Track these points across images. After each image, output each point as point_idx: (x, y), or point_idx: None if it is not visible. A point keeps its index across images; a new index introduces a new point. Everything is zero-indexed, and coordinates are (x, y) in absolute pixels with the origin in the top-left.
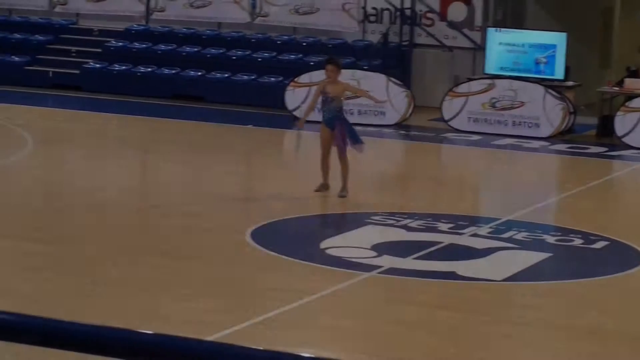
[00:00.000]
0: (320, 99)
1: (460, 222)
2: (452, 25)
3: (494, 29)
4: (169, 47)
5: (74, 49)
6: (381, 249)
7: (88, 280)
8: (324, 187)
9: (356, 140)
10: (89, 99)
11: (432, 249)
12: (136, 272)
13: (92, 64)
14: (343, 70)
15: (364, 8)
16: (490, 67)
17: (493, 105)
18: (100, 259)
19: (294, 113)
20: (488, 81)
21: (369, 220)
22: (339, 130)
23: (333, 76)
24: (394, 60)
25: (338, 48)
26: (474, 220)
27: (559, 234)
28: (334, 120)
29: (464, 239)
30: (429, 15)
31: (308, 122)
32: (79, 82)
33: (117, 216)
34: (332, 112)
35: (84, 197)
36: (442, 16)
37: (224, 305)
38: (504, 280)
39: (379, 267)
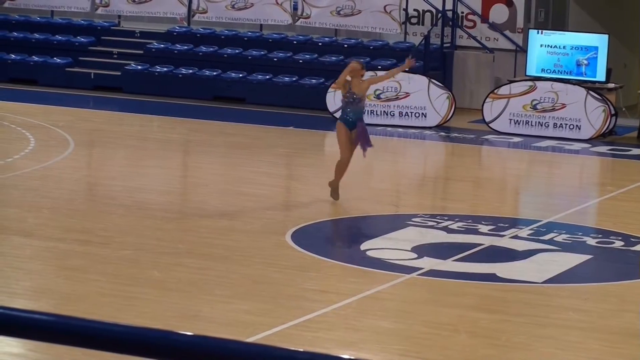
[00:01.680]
0: (345, 101)
1: (500, 224)
2: (493, 27)
3: (535, 30)
4: (211, 49)
5: (115, 50)
6: (422, 250)
7: (128, 282)
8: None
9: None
10: (130, 101)
11: (473, 251)
12: (176, 273)
13: (133, 65)
14: (384, 72)
15: (405, 10)
16: (532, 69)
17: (534, 107)
18: (140, 260)
19: (335, 115)
20: (529, 83)
21: (410, 222)
22: (362, 130)
23: (359, 75)
24: (435, 62)
25: (379, 50)
26: (515, 222)
27: (600, 236)
28: (356, 122)
29: (505, 241)
30: (471, 17)
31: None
32: (121, 83)
33: (157, 217)
34: (359, 113)
35: (125, 198)
36: (484, 18)
37: (263, 307)
38: (545, 282)
39: (420, 268)
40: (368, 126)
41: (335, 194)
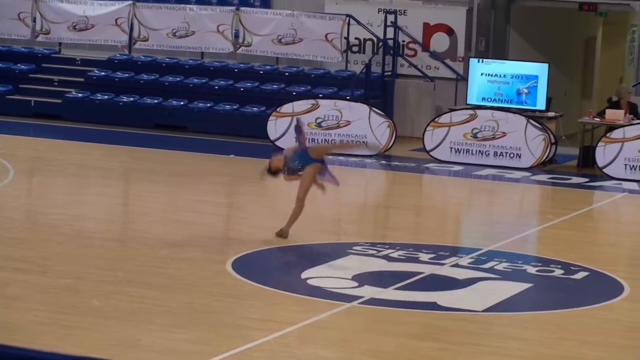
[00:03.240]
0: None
1: (441, 252)
2: (434, 55)
3: (476, 59)
4: (152, 77)
5: (56, 78)
6: (362, 279)
7: (68, 310)
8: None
9: None
10: (71, 129)
11: (413, 279)
12: (117, 302)
13: (74, 93)
14: (325, 100)
15: (346, 38)
16: (472, 98)
17: (475, 136)
18: (80, 288)
19: (276, 143)
20: (470, 112)
21: (351, 251)
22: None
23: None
24: (376, 91)
25: (321, 78)
26: (455, 251)
27: (540, 264)
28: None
29: (445, 270)
30: (412, 45)
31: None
32: (61, 111)
33: (98, 246)
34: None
35: (65, 226)
36: (425, 47)
37: (204, 336)
38: (485, 310)
39: (360, 297)
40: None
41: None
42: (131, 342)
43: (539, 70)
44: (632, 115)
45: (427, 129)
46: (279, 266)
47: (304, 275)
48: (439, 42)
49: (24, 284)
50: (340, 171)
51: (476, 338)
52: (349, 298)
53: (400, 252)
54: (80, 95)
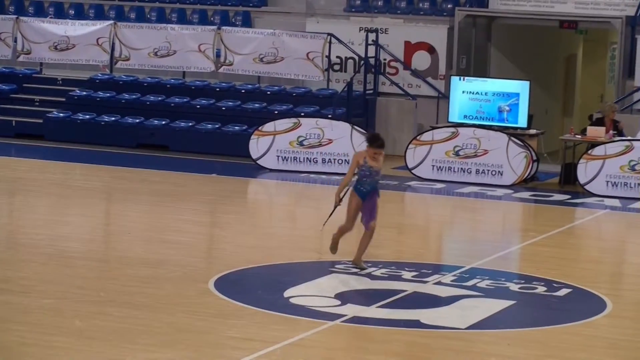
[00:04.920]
0: (361, 173)
1: (424, 270)
2: (415, 73)
3: (457, 77)
4: (133, 96)
5: (37, 98)
6: (345, 297)
7: (50, 331)
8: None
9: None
10: (52, 149)
11: (396, 297)
12: (99, 322)
13: (55, 113)
14: (307, 119)
15: (328, 57)
16: (454, 116)
17: (457, 154)
18: (62, 309)
19: (258, 162)
20: (451, 129)
21: (333, 269)
22: (371, 206)
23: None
24: (358, 109)
25: (302, 97)
26: (438, 268)
27: (522, 281)
28: (369, 193)
29: (428, 287)
30: (393, 64)
31: None
32: (42, 131)
33: (80, 266)
34: (374, 185)
35: (46, 246)
36: (406, 65)
37: (187, 355)
38: (468, 328)
39: (343, 315)
40: (290, 173)
41: (334, 248)
42: None
43: (520, 87)
44: (615, 132)
45: (409, 146)
46: (262, 285)
47: (286, 294)
48: (421, 60)
49: (5, 305)
50: (322, 190)
51: (459, 356)
52: (332, 316)
53: (383, 270)
54: (61, 115)
